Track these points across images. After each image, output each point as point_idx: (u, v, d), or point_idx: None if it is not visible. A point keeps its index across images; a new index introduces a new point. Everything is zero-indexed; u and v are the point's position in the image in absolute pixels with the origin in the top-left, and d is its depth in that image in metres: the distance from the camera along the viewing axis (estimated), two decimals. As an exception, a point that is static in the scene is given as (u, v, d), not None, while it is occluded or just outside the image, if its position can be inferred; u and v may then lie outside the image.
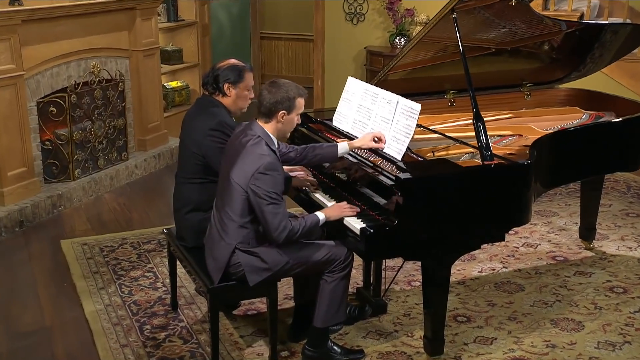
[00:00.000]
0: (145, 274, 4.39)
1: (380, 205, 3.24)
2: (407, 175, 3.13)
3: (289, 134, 3.32)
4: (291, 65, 10.17)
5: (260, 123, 3.23)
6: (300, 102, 3.23)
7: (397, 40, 7.29)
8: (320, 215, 3.24)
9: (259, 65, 9.46)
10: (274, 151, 3.19)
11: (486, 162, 3.26)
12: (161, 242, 4.81)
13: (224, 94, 3.55)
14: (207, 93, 3.61)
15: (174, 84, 7.24)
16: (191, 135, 3.55)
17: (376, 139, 3.42)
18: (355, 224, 3.18)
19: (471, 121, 3.38)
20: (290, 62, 10.17)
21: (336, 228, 3.30)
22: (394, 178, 3.12)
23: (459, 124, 4.03)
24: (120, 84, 6.06)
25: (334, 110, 3.91)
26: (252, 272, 3.21)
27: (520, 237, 4.89)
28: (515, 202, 3.29)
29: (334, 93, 3.90)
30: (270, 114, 3.20)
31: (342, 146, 3.45)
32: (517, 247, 4.74)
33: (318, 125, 3.98)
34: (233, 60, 3.60)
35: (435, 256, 3.24)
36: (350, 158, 3.49)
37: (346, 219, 3.24)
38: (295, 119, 3.26)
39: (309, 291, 3.53)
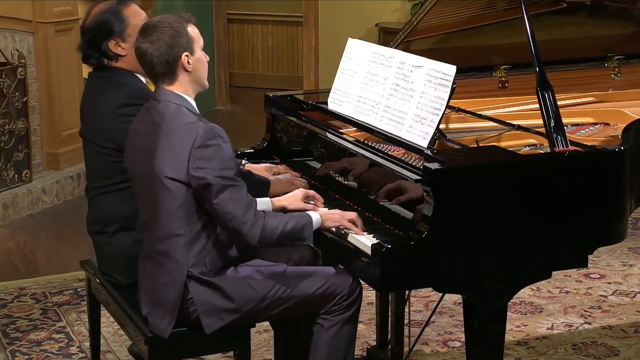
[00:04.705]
0: (54, 335, 4.41)
1: (401, 217, 3.22)
2: (437, 165, 3.08)
3: (206, 82, 3.30)
4: (272, 59, 10.24)
5: (166, 87, 3.23)
6: (194, 30, 3.23)
7: (422, 12, 7.32)
8: (314, 214, 3.25)
9: (225, 59, 9.47)
10: (198, 116, 3.21)
11: (557, 149, 3.22)
12: (79, 291, 4.83)
13: (116, 56, 3.59)
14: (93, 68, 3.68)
15: (100, 76, 7.24)
16: (94, 125, 3.59)
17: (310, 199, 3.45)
18: (365, 239, 3.15)
19: (532, 107, 3.31)
20: (271, 55, 10.24)
21: (337, 249, 3.27)
22: (419, 171, 3.07)
23: (515, 110, 4.02)
24: (20, 69, 6.08)
25: (330, 90, 3.93)
26: (210, 314, 3.16)
27: (610, 283, 4.93)
28: (603, 207, 3.24)
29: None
30: (170, 68, 3.18)
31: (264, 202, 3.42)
32: (605, 296, 4.78)
33: (313, 113, 4.00)
34: (100, 6, 3.62)
35: (484, 288, 3.17)
36: (357, 150, 3.48)
37: (351, 234, 3.21)
38: (203, 55, 3.25)
39: (297, 343, 3.52)
